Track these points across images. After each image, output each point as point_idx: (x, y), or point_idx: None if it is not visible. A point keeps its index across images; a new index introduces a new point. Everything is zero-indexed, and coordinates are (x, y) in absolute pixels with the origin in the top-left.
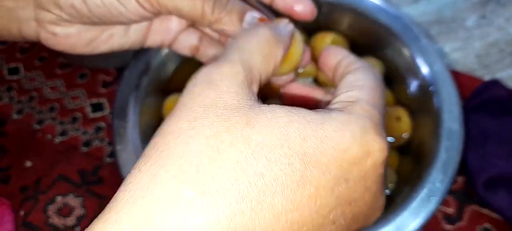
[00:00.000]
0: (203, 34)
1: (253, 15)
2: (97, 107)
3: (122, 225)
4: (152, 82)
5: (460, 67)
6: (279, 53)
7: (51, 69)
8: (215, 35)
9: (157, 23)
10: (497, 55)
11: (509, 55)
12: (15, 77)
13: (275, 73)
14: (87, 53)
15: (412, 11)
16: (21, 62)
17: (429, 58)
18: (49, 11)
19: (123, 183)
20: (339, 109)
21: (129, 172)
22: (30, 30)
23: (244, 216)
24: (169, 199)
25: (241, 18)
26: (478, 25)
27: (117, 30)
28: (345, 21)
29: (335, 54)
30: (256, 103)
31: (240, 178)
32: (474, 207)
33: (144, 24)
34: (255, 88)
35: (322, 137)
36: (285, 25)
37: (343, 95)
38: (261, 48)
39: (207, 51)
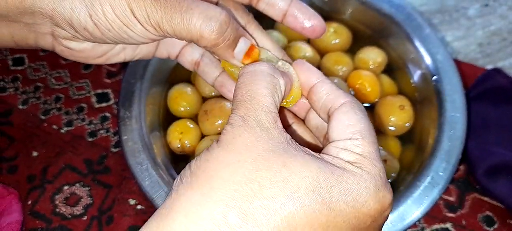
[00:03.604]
0: (205, 51)
1: (245, 41)
2: (102, 97)
3: None
4: (157, 73)
5: (462, 56)
6: (281, 83)
7: (56, 60)
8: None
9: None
10: (499, 44)
11: (511, 44)
12: (20, 67)
13: (281, 100)
14: (101, 63)
15: (415, 0)
16: (26, 53)
17: (432, 47)
18: (64, 29)
19: (174, 189)
20: (353, 164)
21: (135, 160)
22: (46, 42)
23: None
24: (217, 219)
25: (235, 44)
26: (480, 14)
27: (129, 45)
28: (348, 11)
29: (309, 73)
30: (287, 145)
31: (278, 213)
32: (475, 195)
33: None
34: (280, 124)
35: (345, 189)
36: (284, 63)
37: (348, 144)
38: (267, 86)
39: (205, 68)
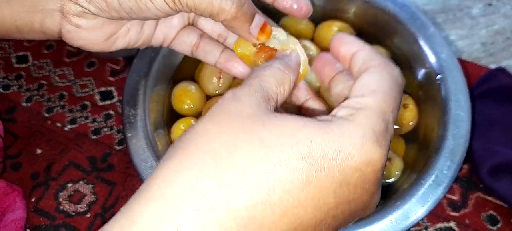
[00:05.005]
0: (203, 33)
1: (260, 17)
2: (105, 95)
3: (153, 202)
4: (161, 71)
5: (465, 55)
6: (291, 78)
7: (59, 58)
8: (214, 34)
9: (161, 21)
10: (503, 43)
11: None
12: (23, 65)
13: (289, 94)
14: (105, 50)
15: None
16: (29, 51)
17: (436, 46)
18: (76, 3)
19: (157, 166)
20: (343, 117)
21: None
22: (53, 23)
23: (256, 208)
24: (191, 185)
25: (251, 19)
26: (484, 13)
27: (134, 25)
28: (351, 10)
29: (349, 44)
30: (271, 113)
31: (254, 172)
32: (478, 194)
33: (154, 21)
34: (272, 104)
35: (326, 141)
36: (295, 55)
37: (352, 101)
38: (274, 74)
39: (206, 47)
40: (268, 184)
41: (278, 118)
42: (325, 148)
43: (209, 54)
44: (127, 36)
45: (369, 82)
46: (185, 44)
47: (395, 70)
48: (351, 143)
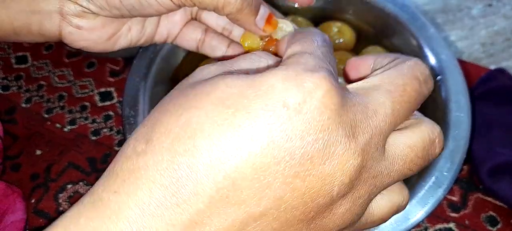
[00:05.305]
0: (208, 27)
1: (265, 9)
2: (105, 96)
3: (101, 179)
4: (161, 71)
5: (465, 56)
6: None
7: (59, 58)
8: (219, 28)
9: (163, 17)
10: (502, 44)
11: None
12: (23, 66)
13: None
14: (107, 50)
15: (418, 0)
16: (29, 51)
17: (436, 47)
18: (76, 3)
19: (124, 146)
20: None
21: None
22: (52, 25)
23: (178, 158)
24: (128, 153)
25: (257, 11)
26: (483, 13)
27: (135, 23)
28: (351, 10)
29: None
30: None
31: (175, 126)
32: (478, 195)
33: (156, 18)
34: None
35: (248, 83)
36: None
37: (289, 50)
38: (249, 58)
39: (212, 42)
40: (190, 134)
41: (218, 75)
42: (243, 90)
43: (216, 49)
44: (128, 35)
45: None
46: (190, 40)
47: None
48: (283, 80)
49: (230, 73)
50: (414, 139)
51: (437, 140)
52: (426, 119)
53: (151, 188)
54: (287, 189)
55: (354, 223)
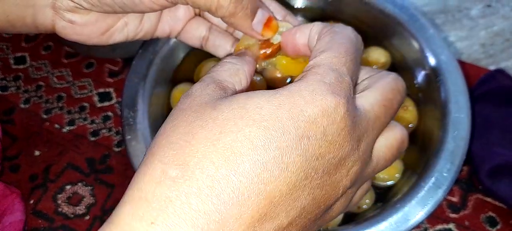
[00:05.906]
0: (212, 24)
1: (263, 12)
2: (104, 96)
3: (126, 205)
4: (160, 72)
5: (465, 57)
6: (245, 67)
7: (58, 59)
8: (222, 25)
9: (166, 12)
10: (502, 44)
11: None
12: (21, 66)
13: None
14: (102, 43)
15: (418, 1)
16: (27, 52)
17: (436, 48)
18: None
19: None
20: (295, 81)
21: (139, 161)
22: (45, 18)
23: (220, 183)
24: (158, 179)
25: (253, 14)
26: (483, 14)
27: (132, 19)
28: (351, 11)
29: (299, 32)
30: (226, 97)
31: (212, 151)
32: (478, 196)
33: (156, 13)
34: (229, 93)
35: (277, 104)
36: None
37: (306, 67)
38: (226, 68)
39: (216, 40)
40: (227, 159)
41: (228, 98)
42: (276, 111)
43: (220, 48)
44: (125, 30)
45: (320, 46)
46: (194, 37)
47: (348, 29)
48: (301, 98)
49: (240, 91)
50: (390, 140)
51: (405, 139)
52: (397, 123)
53: (194, 217)
54: (309, 198)
55: (345, 209)
